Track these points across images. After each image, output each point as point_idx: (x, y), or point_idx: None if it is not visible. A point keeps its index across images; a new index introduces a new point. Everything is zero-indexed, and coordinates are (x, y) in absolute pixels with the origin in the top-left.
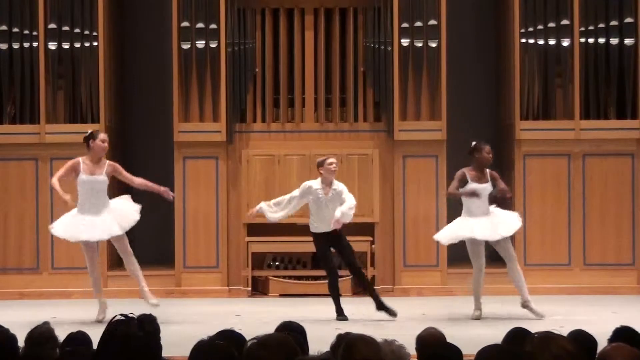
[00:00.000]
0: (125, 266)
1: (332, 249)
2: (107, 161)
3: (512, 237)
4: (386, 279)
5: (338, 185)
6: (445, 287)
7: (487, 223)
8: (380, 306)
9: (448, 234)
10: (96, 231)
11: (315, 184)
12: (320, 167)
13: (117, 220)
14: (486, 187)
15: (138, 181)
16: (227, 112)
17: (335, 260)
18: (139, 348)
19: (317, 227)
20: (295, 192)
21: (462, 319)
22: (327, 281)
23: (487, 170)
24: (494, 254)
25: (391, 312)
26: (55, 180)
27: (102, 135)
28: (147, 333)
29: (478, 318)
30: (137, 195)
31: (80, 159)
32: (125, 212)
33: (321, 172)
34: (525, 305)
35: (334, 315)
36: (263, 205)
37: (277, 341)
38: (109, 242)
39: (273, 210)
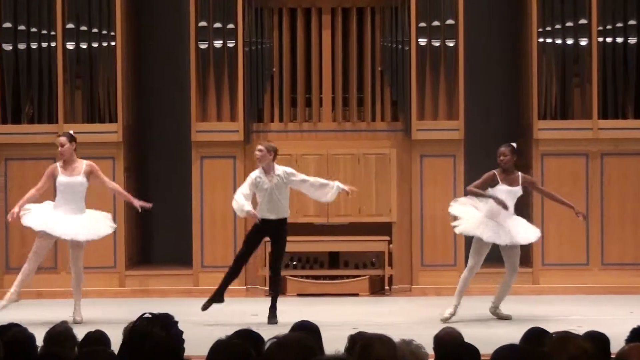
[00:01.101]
0: (71, 271)
1: (268, 239)
2: (85, 161)
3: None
4: (404, 279)
5: (279, 169)
6: None
7: (503, 228)
8: (272, 314)
9: (465, 226)
10: (69, 229)
11: (256, 173)
12: None
13: (88, 227)
14: (512, 190)
15: (112, 186)
16: (245, 112)
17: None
18: (161, 348)
19: (265, 215)
20: (245, 185)
21: (479, 319)
22: (232, 265)
23: (520, 174)
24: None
25: (273, 320)
26: (30, 193)
27: (59, 139)
28: (171, 335)
29: (448, 319)
30: (155, 196)
31: (56, 163)
32: (98, 223)
33: None
34: (494, 311)
35: (351, 315)
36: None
37: (296, 341)
38: (127, 241)
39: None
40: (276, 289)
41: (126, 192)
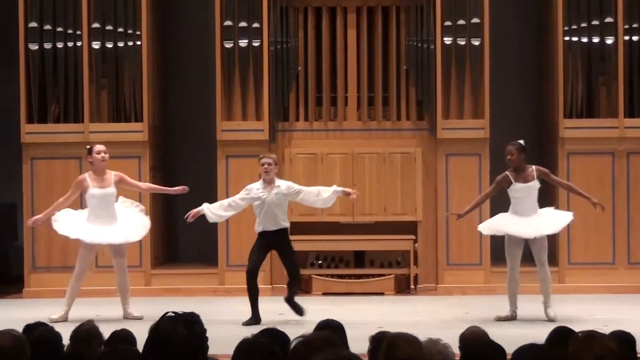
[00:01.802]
0: (117, 279)
1: (275, 250)
2: (112, 172)
3: (554, 241)
4: (429, 278)
5: (281, 183)
6: (488, 286)
7: (528, 221)
8: (294, 306)
9: (489, 225)
10: (111, 236)
11: (256, 185)
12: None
13: (125, 231)
14: (528, 186)
15: (145, 186)
16: (270, 111)
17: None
18: (184, 347)
19: (265, 227)
20: (238, 196)
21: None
22: (247, 284)
23: (534, 167)
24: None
25: (300, 312)
26: (58, 202)
27: (97, 147)
28: (194, 334)
29: (511, 318)
30: (180, 195)
31: (85, 175)
32: (133, 225)
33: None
34: (545, 311)
35: (376, 314)
36: (204, 206)
37: (322, 340)
38: (153, 241)
39: (215, 213)
40: (293, 292)
41: (158, 186)
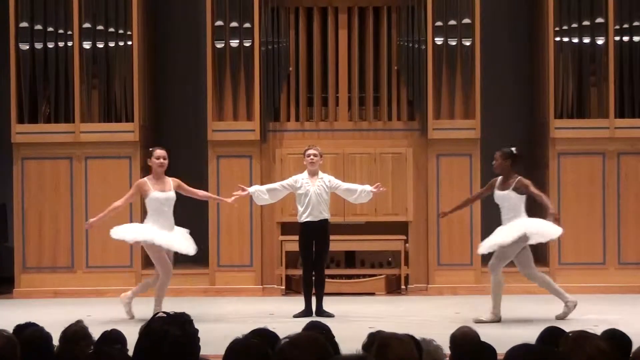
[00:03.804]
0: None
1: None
2: (170, 178)
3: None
4: (420, 278)
5: (324, 175)
6: (479, 286)
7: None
8: (320, 312)
9: (486, 242)
10: (180, 244)
11: (301, 176)
12: (304, 158)
13: (188, 240)
14: (503, 195)
15: (202, 194)
16: (261, 111)
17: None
18: (176, 347)
19: (307, 218)
20: (283, 182)
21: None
22: (302, 275)
23: (518, 178)
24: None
25: (327, 314)
26: (115, 204)
27: (157, 152)
28: (187, 334)
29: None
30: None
31: (144, 178)
32: (185, 235)
33: (304, 163)
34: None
35: (367, 313)
36: (254, 188)
37: (308, 340)
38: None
39: (260, 196)
40: (320, 288)
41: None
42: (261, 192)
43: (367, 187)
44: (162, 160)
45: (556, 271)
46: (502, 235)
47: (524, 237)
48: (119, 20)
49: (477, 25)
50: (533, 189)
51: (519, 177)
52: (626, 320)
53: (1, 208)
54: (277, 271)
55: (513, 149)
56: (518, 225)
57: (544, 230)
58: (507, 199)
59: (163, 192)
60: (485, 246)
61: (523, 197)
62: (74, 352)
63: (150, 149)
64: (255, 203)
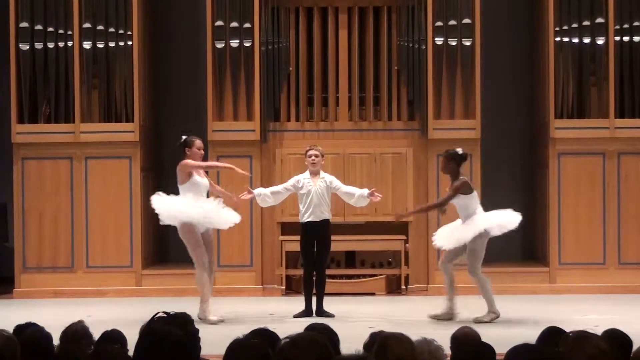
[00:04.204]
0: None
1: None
2: None
3: (545, 241)
4: (420, 278)
5: (326, 176)
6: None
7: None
8: (320, 312)
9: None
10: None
11: (303, 176)
12: (305, 158)
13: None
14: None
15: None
16: (261, 111)
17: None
18: (177, 347)
19: (308, 217)
20: (286, 185)
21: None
22: (302, 275)
23: (463, 179)
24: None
25: (327, 314)
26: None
27: (198, 142)
28: (188, 334)
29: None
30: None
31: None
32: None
33: (305, 163)
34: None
35: (367, 313)
36: (259, 191)
37: (309, 340)
38: (144, 241)
39: (264, 199)
40: (320, 288)
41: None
42: (265, 195)
43: (365, 192)
44: (202, 151)
45: (556, 271)
46: (462, 232)
47: (484, 233)
48: (119, 20)
49: (477, 25)
50: (451, 189)
51: (464, 178)
52: (626, 320)
53: (1, 208)
54: (277, 271)
55: (459, 150)
56: (475, 222)
57: (502, 221)
58: (456, 199)
59: (202, 178)
60: (444, 242)
61: (471, 195)
62: (74, 352)
63: (189, 138)
64: (255, 203)
